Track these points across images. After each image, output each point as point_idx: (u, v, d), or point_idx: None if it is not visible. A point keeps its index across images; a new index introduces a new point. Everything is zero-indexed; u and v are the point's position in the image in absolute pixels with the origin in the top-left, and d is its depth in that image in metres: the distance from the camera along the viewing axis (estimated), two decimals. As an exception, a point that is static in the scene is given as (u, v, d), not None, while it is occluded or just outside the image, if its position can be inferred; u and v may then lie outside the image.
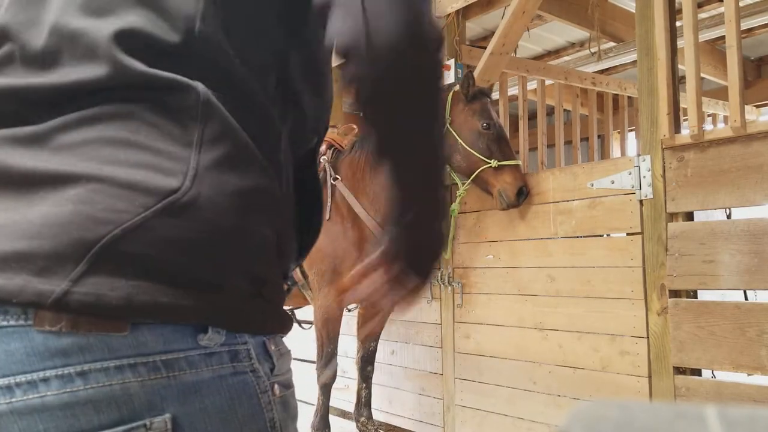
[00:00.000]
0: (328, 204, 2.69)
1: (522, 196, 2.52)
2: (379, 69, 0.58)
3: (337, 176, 2.74)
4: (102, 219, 0.48)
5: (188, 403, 0.50)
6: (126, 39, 0.54)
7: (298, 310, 3.04)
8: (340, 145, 2.90)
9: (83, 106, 0.53)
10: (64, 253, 0.47)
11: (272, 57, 0.63)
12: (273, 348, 0.58)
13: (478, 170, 2.55)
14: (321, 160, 2.80)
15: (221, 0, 0.58)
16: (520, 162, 2.63)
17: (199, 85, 0.55)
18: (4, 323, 0.47)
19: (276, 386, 0.57)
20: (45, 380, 0.46)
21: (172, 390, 0.49)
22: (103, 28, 0.55)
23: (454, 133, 2.61)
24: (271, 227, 0.59)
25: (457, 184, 2.75)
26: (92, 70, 0.54)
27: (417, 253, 0.71)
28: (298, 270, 2.68)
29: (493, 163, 2.51)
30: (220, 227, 0.52)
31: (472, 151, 2.56)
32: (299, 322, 2.77)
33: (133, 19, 0.55)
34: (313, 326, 2.75)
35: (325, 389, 2.77)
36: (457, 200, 2.74)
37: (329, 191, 2.73)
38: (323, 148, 2.84)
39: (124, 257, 0.48)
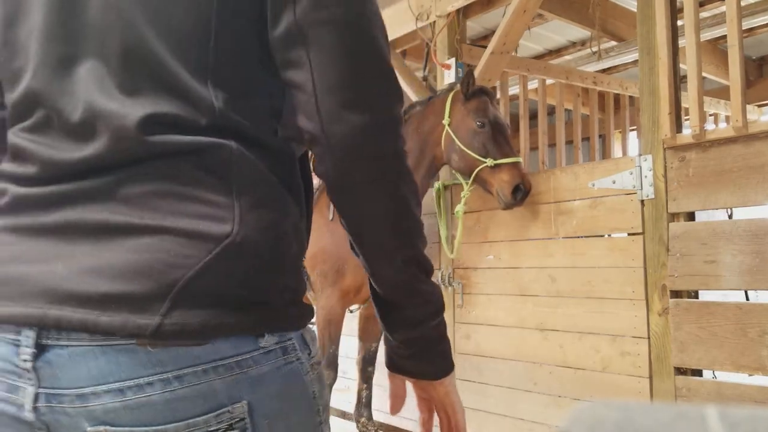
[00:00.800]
0: (331, 204, 2.68)
1: (519, 193, 2.41)
2: (339, 155, 0.68)
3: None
4: (177, 264, 0.61)
5: (257, 391, 0.64)
6: (157, 120, 0.64)
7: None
8: None
9: (129, 167, 0.65)
10: (151, 293, 0.60)
11: (270, 99, 0.72)
12: (308, 337, 0.72)
13: (477, 170, 2.49)
14: None
15: (224, 78, 0.68)
16: (519, 159, 2.53)
17: (232, 142, 0.66)
18: (114, 342, 0.60)
19: (314, 365, 0.71)
20: (150, 383, 0.60)
21: (245, 383, 0.63)
22: (134, 112, 0.64)
23: (452, 133, 2.58)
24: (297, 243, 0.71)
25: (461, 184, 2.71)
26: (127, 145, 0.64)
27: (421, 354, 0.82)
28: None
29: (489, 161, 2.45)
30: (263, 258, 0.65)
31: (467, 150, 2.51)
32: None
33: (162, 105, 0.65)
34: (315, 327, 2.74)
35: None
36: (462, 201, 2.66)
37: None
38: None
39: (198, 293, 0.61)
